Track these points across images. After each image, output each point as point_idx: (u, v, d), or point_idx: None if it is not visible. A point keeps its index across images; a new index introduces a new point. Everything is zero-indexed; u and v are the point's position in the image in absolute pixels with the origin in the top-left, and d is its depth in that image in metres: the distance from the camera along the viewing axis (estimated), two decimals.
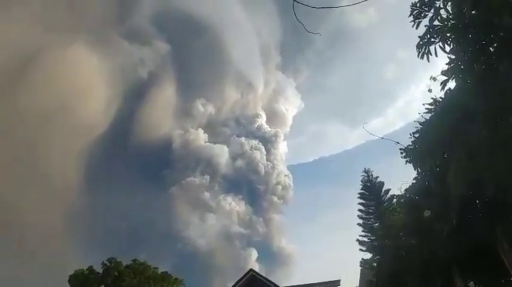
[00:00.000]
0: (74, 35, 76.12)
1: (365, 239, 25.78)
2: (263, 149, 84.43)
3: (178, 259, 66.98)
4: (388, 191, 25.69)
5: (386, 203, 25.10)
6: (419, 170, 9.71)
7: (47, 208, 67.06)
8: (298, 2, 4.41)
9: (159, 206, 77.89)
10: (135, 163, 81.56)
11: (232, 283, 34.40)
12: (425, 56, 6.33)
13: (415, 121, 9.45)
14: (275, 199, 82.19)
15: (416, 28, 6.32)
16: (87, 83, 76.45)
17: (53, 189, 69.55)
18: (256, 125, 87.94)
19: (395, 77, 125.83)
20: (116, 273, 35.94)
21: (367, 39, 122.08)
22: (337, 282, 31.60)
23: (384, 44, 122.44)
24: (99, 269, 36.79)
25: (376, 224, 24.82)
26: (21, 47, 69.48)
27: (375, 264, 21.27)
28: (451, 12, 5.79)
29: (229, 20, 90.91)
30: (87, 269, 36.47)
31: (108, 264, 36.74)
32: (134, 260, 37.85)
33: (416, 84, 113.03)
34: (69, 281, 35.63)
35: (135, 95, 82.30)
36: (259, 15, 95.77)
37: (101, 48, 79.06)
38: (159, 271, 38.84)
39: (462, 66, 6.91)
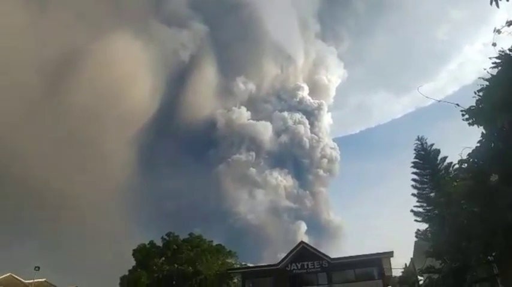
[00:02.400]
0: (114, 27, 79.07)
1: (420, 209, 24.74)
2: (307, 123, 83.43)
3: (230, 233, 69.58)
4: (444, 158, 24.17)
5: (443, 171, 23.75)
6: (485, 131, 9.03)
7: (106, 190, 72.56)
8: None
9: (208, 185, 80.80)
10: (183, 144, 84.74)
11: (284, 255, 35.35)
12: (495, 1, 5.68)
13: (478, 78, 8.72)
14: (321, 172, 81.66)
15: None
16: (131, 71, 79.61)
17: (110, 173, 75.02)
18: (298, 98, 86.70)
19: (446, 38, 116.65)
20: (175, 246, 38.34)
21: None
22: (390, 253, 31.24)
23: (431, 2, 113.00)
24: (159, 243, 39.47)
25: (432, 194, 23.68)
26: (68, 42, 74.21)
27: (433, 234, 20.53)
28: None
29: None
30: (148, 244, 39.29)
31: (167, 238, 39.22)
32: (190, 234, 40.01)
33: (471, 44, 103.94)
34: (133, 254, 38.65)
35: (178, 79, 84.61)
36: None
37: (142, 36, 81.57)
38: (214, 244, 40.78)
39: None
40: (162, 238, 39.19)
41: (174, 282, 37.03)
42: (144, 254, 38.17)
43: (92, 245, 62.66)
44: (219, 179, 79.75)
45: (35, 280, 36.64)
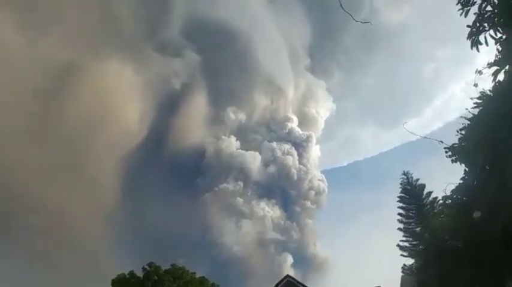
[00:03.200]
0: (109, 50, 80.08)
1: (406, 244, 24.74)
2: (295, 154, 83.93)
3: (214, 264, 67.74)
4: (429, 193, 24.52)
5: (428, 206, 24.02)
6: (467, 169, 9.29)
7: (89, 214, 70.48)
8: None
9: (195, 213, 79.34)
10: (170, 171, 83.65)
11: None
12: (475, 46, 6.07)
13: (461, 117, 9.08)
14: (308, 203, 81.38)
15: (465, 16, 6.07)
16: (123, 95, 79.91)
17: (94, 197, 73.02)
18: (287, 129, 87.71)
19: (432, 77, 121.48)
20: (156, 277, 36.84)
21: (400, 38, 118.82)
22: None
23: (418, 42, 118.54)
24: (139, 273, 37.95)
25: (418, 229, 23.79)
26: (62, 62, 74.22)
27: (418, 269, 20.40)
28: None
29: (257, 25, 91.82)
30: (128, 274, 37.71)
31: (148, 268, 37.72)
32: (173, 265, 38.65)
33: (455, 83, 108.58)
34: (112, 284, 36.96)
35: (169, 106, 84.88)
36: (286, 19, 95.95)
37: (136, 61, 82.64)
38: (197, 276, 39.44)
39: None
40: (143, 268, 37.71)
41: None
42: (123, 285, 36.52)
43: (70, 269, 60.04)
44: (205, 208, 78.56)
45: None
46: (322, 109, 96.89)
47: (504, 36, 6.08)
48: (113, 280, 37.16)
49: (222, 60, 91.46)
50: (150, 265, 37.86)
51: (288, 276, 35.01)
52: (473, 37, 6.02)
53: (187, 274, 38.23)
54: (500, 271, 10.63)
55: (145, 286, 36.64)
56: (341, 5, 3.99)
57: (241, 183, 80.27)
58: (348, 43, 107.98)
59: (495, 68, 6.51)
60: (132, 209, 77.68)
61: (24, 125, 67.87)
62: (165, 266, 38.45)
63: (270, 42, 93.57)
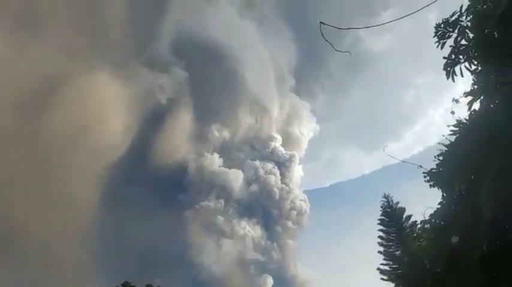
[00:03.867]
0: (96, 63, 79.58)
1: (386, 267, 24.83)
2: (278, 173, 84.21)
3: (192, 284, 66.00)
4: (409, 217, 24.93)
5: (408, 229, 24.31)
6: (445, 194, 9.45)
7: (67, 232, 67.95)
8: (324, 24, 4.51)
9: (175, 230, 77.96)
10: (152, 186, 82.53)
11: None
12: (451, 76, 6.31)
13: (438, 143, 9.29)
14: (290, 223, 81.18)
15: (441, 49, 6.34)
16: (108, 108, 79.23)
17: (70, 211, 70.73)
18: (270, 149, 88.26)
19: (413, 102, 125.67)
20: None
21: (383, 64, 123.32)
22: None
23: (400, 69, 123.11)
24: None
25: (398, 252, 23.94)
26: (47, 73, 73.10)
27: None
28: (475, 31, 5.81)
29: (245, 46, 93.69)
30: None
31: None
32: (148, 285, 37.48)
33: (435, 108, 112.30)
34: None
35: (153, 120, 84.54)
36: (273, 41, 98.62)
37: (122, 75, 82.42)
38: None
39: (488, 86, 6.85)
40: None
41: None
42: None
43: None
44: (186, 225, 77.42)
45: None
46: (306, 130, 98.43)
47: (479, 68, 6.36)
48: None
49: (209, 78, 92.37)
50: (125, 284, 36.60)
51: None
52: (449, 68, 6.27)
53: None
54: None
55: None
56: (322, 34, 4.08)
57: (222, 201, 79.67)
58: (333, 67, 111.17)
59: (470, 97, 6.77)
60: (113, 223, 75.62)
61: (6, 135, 65.80)
62: (142, 285, 37.25)
63: (257, 63, 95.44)
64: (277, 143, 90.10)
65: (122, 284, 36.70)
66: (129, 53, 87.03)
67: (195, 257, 73.99)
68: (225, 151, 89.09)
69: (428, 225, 12.07)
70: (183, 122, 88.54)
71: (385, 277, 24.43)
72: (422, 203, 11.24)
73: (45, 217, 66.64)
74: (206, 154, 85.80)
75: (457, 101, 7.73)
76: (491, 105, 7.15)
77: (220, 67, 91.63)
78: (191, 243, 75.73)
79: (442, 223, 11.10)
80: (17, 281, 57.20)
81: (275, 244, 78.63)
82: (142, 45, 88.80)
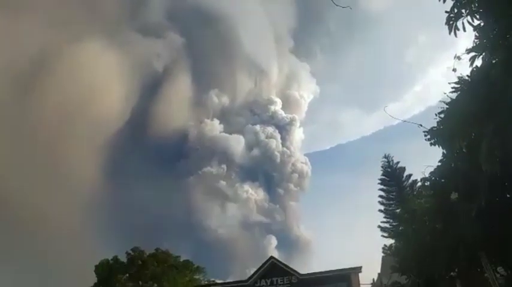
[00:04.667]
0: (88, 32, 77.12)
1: (387, 225, 25.57)
2: (279, 137, 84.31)
3: (198, 248, 68.30)
4: (409, 176, 25.33)
5: (408, 188, 24.75)
6: (445, 152, 9.48)
7: (68, 202, 69.18)
8: None
9: (178, 197, 79.37)
10: (153, 155, 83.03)
11: (253, 270, 34.95)
12: (453, 31, 6.09)
13: (440, 101, 9.19)
14: (292, 186, 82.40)
15: (444, 2, 6.07)
16: (103, 79, 77.74)
17: (74, 184, 71.55)
18: (270, 112, 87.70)
19: (413, 61, 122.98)
20: (140, 262, 36.88)
21: (383, 22, 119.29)
22: (359, 268, 31.61)
23: (401, 27, 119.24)
24: (123, 258, 37.88)
25: (398, 210, 24.51)
26: (37, 46, 71.02)
27: (398, 249, 21.04)
28: None
29: (241, 7, 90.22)
30: (112, 259, 37.56)
31: (132, 253, 37.68)
32: (157, 250, 38.71)
33: (436, 68, 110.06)
34: (95, 270, 36.83)
35: (151, 89, 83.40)
36: (270, 0, 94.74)
37: (116, 43, 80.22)
38: (181, 260, 39.69)
39: (490, 41, 6.64)
40: (126, 253, 37.68)
41: None
42: (106, 271, 36.44)
43: (52, 259, 59.21)
44: (189, 191, 78.65)
45: None
46: (306, 92, 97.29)
47: (482, 24, 6.13)
48: (96, 265, 37.04)
49: (206, 43, 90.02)
50: (134, 249, 37.84)
51: (272, 258, 35.73)
52: (451, 22, 6.04)
53: (171, 258, 38.43)
54: (475, 251, 11.05)
55: (129, 271, 36.75)
56: None
57: (224, 166, 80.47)
58: (332, 26, 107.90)
59: (473, 54, 6.59)
60: (115, 193, 76.97)
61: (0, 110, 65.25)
62: (149, 250, 38.53)
63: (254, 24, 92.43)
64: (277, 106, 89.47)
65: (131, 250, 37.96)
66: (120, 19, 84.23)
67: (201, 221, 76.06)
68: (225, 116, 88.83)
69: (428, 183, 12.27)
70: (181, 89, 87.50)
71: (385, 234, 25.25)
72: (423, 162, 11.36)
73: (46, 188, 67.71)
74: (206, 120, 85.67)
75: (459, 58, 7.54)
76: (493, 61, 6.96)
77: (217, 30, 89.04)
78: (195, 208, 77.56)
79: (442, 180, 11.26)
80: (22, 252, 59.07)
81: (278, 206, 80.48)
82: (134, 11, 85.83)
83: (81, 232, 66.58)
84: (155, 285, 35.49)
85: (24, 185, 64.92)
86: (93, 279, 36.69)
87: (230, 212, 78.38)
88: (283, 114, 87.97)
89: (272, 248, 71.83)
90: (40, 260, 58.68)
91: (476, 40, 7.09)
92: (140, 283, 35.74)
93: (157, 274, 36.37)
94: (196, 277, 39.75)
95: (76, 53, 73.81)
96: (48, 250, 60.70)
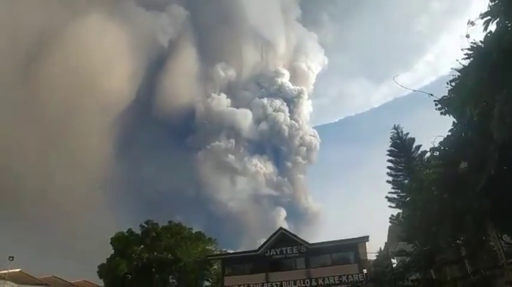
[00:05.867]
0: (89, 9, 75.75)
1: (394, 195, 25.67)
2: (286, 110, 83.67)
3: (210, 220, 69.98)
4: (419, 147, 25.10)
5: (417, 159, 24.61)
6: (456, 121, 9.36)
7: (83, 177, 70.72)
8: None
9: (188, 172, 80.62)
10: (161, 131, 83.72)
11: (263, 241, 35.88)
12: None
13: (451, 69, 8.97)
14: (300, 159, 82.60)
15: None
16: (108, 54, 77.04)
17: (86, 160, 72.87)
18: (278, 85, 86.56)
19: (425, 29, 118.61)
20: (154, 234, 38.11)
21: None
22: (366, 238, 32.24)
23: None
24: (138, 231, 39.14)
25: (406, 181, 24.54)
26: (41, 24, 70.18)
27: (405, 219, 21.29)
28: None
29: None
30: (127, 231, 38.87)
31: (146, 226, 38.88)
32: (170, 222, 39.85)
33: (448, 35, 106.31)
34: (112, 243, 38.22)
35: (156, 64, 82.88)
36: None
37: (118, 19, 78.73)
38: (193, 232, 40.84)
39: (505, 5, 6.39)
40: (140, 225, 38.90)
41: (153, 269, 37.03)
42: (122, 242, 37.82)
43: (69, 234, 61.40)
44: (198, 166, 79.63)
45: (10, 270, 35.61)
46: (314, 63, 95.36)
47: None
48: (112, 238, 38.40)
49: (210, 15, 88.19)
50: (147, 222, 39.03)
51: (281, 228, 36.55)
52: None
53: (184, 229, 39.60)
54: (482, 220, 11.12)
55: (144, 243, 38.10)
56: None
57: (233, 141, 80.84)
58: None
59: (487, 18, 6.36)
60: (127, 170, 78.50)
61: (5, 91, 65.53)
62: (162, 223, 39.69)
63: None
64: (285, 78, 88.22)
65: (144, 222, 39.13)
66: None
67: (211, 195, 77.44)
68: (232, 90, 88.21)
69: (438, 152, 12.19)
70: (187, 63, 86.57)
71: (393, 205, 25.44)
72: (433, 133, 11.24)
73: (57, 163, 69.01)
74: (213, 94, 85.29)
75: (472, 23, 7.27)
76: (508, 26, 6.71)
77: (221, 2, 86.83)
78: (206, 182, 78.80)
79: (452, 150, 11.17)
80: (37, 228, 61.05)
81: (286, 179, 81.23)
82: None
83: (94, 205, 68.46)
84: (169, 256, 36.79)
85: (35, 160, 66.37)
86: (110, 251, 38.14)
87: (239, 186, 79.58)
88: (291, 87, 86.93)
89: (281, 220, 73.30)
90: (58, 232, 60.95)
91: (491, 4, 6.83)
92: (155, 253, 37.09)
93: (171, 245, 37.64)
94: (209, 247, 41.04)
95: (79, 29, 72.96)
96: (62, 222, 62.81)
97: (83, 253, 49.76)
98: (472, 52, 8.00)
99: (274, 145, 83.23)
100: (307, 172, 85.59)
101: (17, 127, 65.64)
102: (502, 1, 6.38)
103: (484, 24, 6.34)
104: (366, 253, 33.65)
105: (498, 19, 6.73)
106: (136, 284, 35.99)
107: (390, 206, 25.79)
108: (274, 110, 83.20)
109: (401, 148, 25.99)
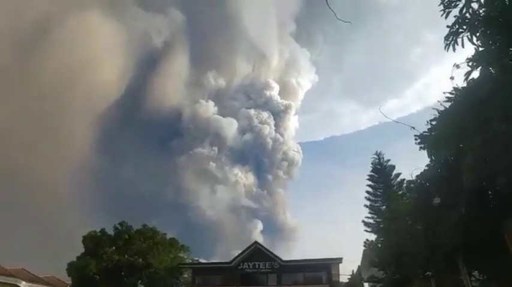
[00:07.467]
0: (88, 3, 75.26)
1: (371, 220, 26.14)
2: (272, 123, 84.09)
3: (186, 227, 68.99)
4: (398, 175, 25.74)
5: (395, 187, 25.17)
6: (433, 158, 9.73)
7: (61, 170, 69.05)
8: None
9: (169, 175, 79.66)
10: (146, 132, 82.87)
11: (238, 252, 35.67)
12: (451, 46, 6.19)
13: (433, 108, 9.36)
14: (281, 173, 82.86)
15: (446, 18, 6.14)
16: (101, 51, 76.47)
17: (67, 153, 71.32)
18: (266, 97, 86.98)
19: (417, 59, 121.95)
20: (127, 237, 37.36)
21: (389, 18, 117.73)
22: (339, 259, 32.44)
23: (406, 24, 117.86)
24: (111, 231, 38.30)
25: (383, 207, 25.02)
26: (35, 15, 69.23)
27: (379, 245, 21.66)
28: (483, 3, 5.58)
29: None
30: (100, 231, 37.99)
31: (119, 227, 38.10)
32: (144, 226, 39.20)
33: (438, 67, 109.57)
34: (83, 241, 37.27)
35: (148, 64, 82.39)
36: None
37: (115, 16, 78.42)
38: (168, 237, 40.26)
39: (489, 57, 6.76)
40: (114, 226, 38.11)
41: (123, 273, 36.17)
42: (94, 242, 36.92)
43: (48, 229, 59.37)
44: (179, 171, 78.92)
45: None
46: (304, 80, 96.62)
47: (478, 42, 6.18)
48: (84, 236, 37.47)
49: (207, 22, 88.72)
50: (121, 224, 38.29)
51: (256, 242, 36.44)
52: (451, 38, 6.12)
53: (157, 234, 38.98)
54: (452, 255, 11.45)
55: (116, 244, 37.25)
56: (327, 2, 3.94)
57: (216, 148, 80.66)
58: (337, 13, 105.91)
59: (472, 63, 6.66)
60: (108, 167, 77.01)
61: None
62: (137, 226, 39.00)
63: (257, 5, 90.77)
64: (274, 91, 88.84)
65: (118, 224, 38.37)
66: None
67: (190, 201, 76.65)
68: (220, 98, 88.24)
69: (414, 185, 12.58)
70: (178, 67, 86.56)
71: (368, 229, 25.86)
72: (414, 163, 11.61)
73: (41, 159, 67.31)
74: (201, 100, 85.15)
75: (458, 66, 7.62)
76: (490, 76, 7.10)
77: (219, 10, 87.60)
78: (186, 188, 78.00)
79: (427, 184, 11.56)
80: (20, 220, 58.98)
81: (265, 192, 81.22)
82: None
83: (73, 201, 66.82)
84: (140, 260, 36.06)
85: (18, 154, 64.53)
86: (81, 249, 37.16)
87: (219, 194, 79.06)
88: (279, 101, 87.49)
89: (257, 233, 73.02)
90: (30, 223, 59.01)
91: (475, 54, 7.18)
92: (126, 256, 36.30)
93: (143, 249, 36.94)
94: (181, 255, 40.47)
95: (76, 22, 72.22)
96: (40, 217, 60.93)
97: (58, 250, 48.12)
98: (452, 96, 8.42)
99: (257, 156, 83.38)
100: (287, 187, 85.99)
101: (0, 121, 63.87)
102: (487, 53, 6.73)
103: (465, 75, 6.67)
104: (338, 275, 33.81)
105: (481, 67, 7.09)
106: (104, 286, 35.02)
107: (366, 231, 26.25)
108: (260, 122, 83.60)
109: (381, 174, 26.58)
